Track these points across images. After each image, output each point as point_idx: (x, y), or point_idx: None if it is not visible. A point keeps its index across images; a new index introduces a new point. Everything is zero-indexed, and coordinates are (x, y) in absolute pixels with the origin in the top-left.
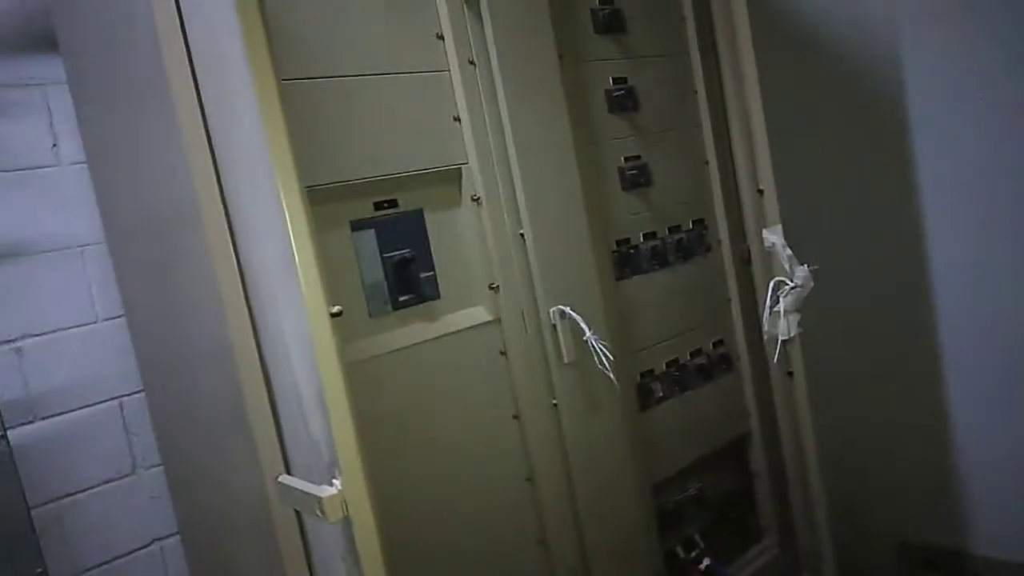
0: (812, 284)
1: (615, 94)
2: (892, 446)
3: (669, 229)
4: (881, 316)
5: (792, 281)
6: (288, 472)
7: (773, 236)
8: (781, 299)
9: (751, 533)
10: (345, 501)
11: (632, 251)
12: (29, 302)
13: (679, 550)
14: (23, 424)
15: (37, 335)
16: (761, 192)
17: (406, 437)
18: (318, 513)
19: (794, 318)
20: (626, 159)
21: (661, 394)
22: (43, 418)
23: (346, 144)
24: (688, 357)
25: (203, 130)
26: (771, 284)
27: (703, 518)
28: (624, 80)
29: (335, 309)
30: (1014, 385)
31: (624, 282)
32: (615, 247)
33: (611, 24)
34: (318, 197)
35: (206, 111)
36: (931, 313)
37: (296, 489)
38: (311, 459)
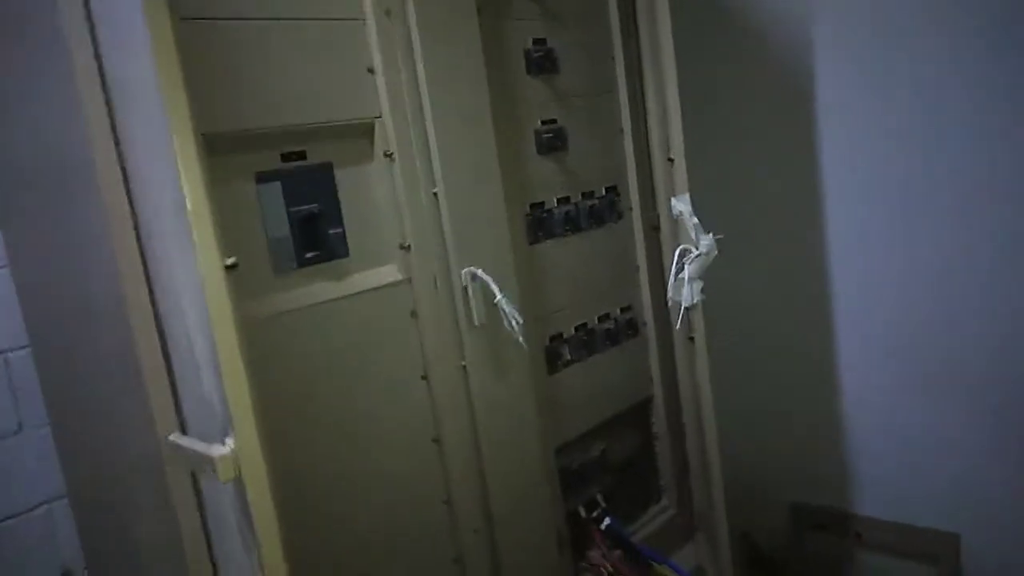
0: (716, 252)
1: (534, 55)
2: (786, 412)
3: (583, 194)
4: (776, 287)
5: (697, 249)
6: (183, 431)
7: (681, 204)
8: (686, 266)
9: (651, 494)
10: (238, 460)
11: (546, 215)
12: None
13: (581, 510)
14: None
15: None
16: (672, 161)
17: (310, 396)
18: (210, 472)
19: (697, 285)
20: (543, 122)
21: (569, 357)
22: None
23: (253, 90)
24: (596, 321)
25: (97, 69)
26: (677, 251)
27: (605, 479)
28: (544, 42)
29: (230, 261)
30: (897, 355)
31: (537, 246)
32: (529, 211)
33: None
34: (222, 145)
35: (100, 50)
36: (823, 286)
37: (188, 448)
38: (205, 418)
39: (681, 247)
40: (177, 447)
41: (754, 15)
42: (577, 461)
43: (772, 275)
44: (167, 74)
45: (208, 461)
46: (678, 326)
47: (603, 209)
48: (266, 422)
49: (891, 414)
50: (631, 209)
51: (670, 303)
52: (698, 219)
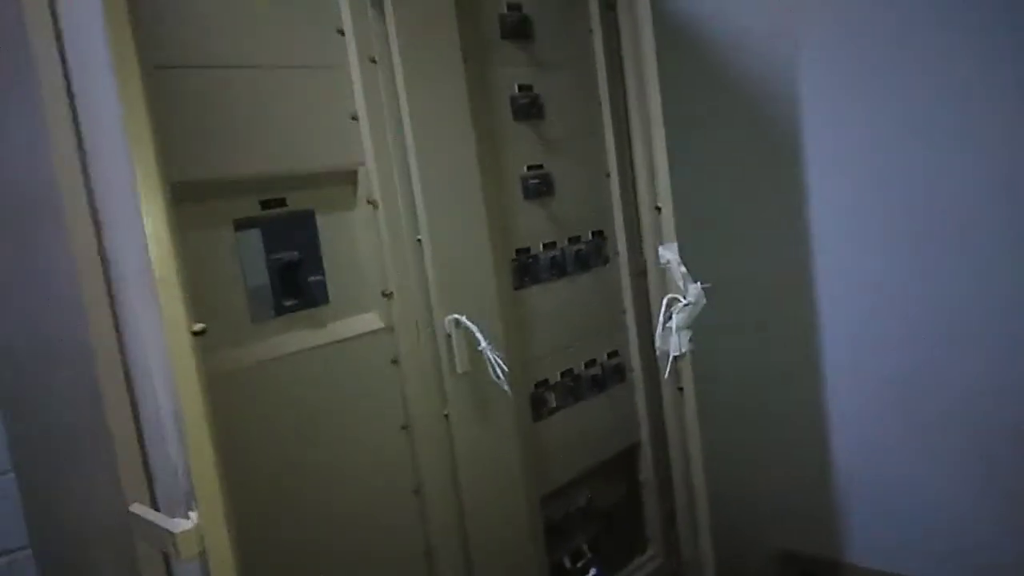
0: (704, 301)
1: (520, 101)
2: (776, 459)
3: (569, 239)
4: (765, 333)
5: (685, 298)
6: (151, 493)
7: (668, 253)
8: (674, 315)
9: (637, 543)
10: (202, 536)
11: (531, 260)
12: None
13: (566, 561)
14: None
15: None
16: (659, 210)
17: (287, 448)
18: (171, 548)
19: (685, 335)
20: (529, 167)
21: (555, 404)
22: None
23: (233, 137)
24: (583, 367)
25: (70, 115)
26: (664, 301)
27: (591, 528)
28: (530, 88)
29: (198, 327)
30: (890, 402)
31: (522, 291)
32: (515, 256)
33: (518, 30)
34: (199, 192)
35: (75, 96)
36: (814, 333)
37: (150, 521)
38: (170, 488)
39: (669, 296)
40: (139, 519)
41: (740, 56)
42: (562, 510)
43: (760, 319)
44: (135, 131)
45: (170, 537)
46: (666, 376)
47: (589, 254)
48: (239, 478)
49: (884, 460)
50: (618, 254)
51: (658, 353)
52: (686, 268)
